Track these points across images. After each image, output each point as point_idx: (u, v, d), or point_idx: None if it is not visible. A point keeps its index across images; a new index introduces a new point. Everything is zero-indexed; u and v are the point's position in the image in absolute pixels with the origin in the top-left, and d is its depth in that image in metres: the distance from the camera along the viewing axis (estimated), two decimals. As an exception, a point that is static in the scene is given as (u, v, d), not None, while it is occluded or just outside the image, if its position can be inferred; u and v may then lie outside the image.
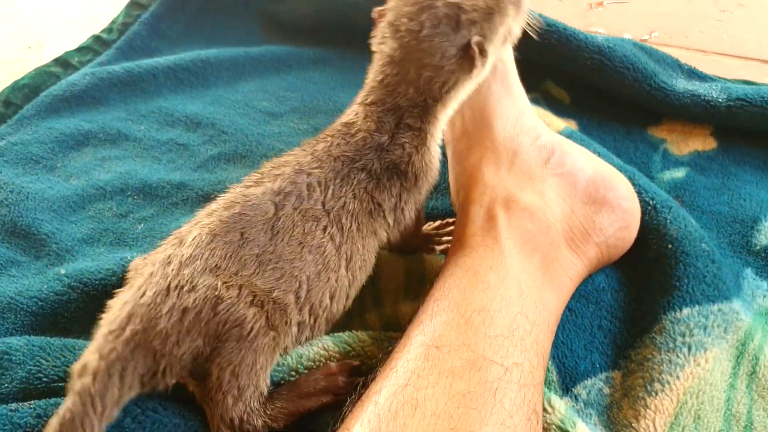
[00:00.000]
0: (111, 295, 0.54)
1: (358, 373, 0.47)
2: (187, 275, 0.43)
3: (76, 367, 0.42)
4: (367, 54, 0.54)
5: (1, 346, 0.50)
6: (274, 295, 0.44)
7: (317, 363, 0.47)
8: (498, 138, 0.55)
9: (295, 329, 0.46)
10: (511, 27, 0.51)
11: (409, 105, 0.50)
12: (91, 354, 0.42)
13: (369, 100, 0.51)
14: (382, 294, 0.55)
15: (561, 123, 0.68)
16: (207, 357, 0.43)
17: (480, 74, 0.51)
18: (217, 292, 0.42)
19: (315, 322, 0.47)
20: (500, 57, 0.55)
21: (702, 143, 0.70)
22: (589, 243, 0.55)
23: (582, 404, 0.49)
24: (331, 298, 0.47)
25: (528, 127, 0.57)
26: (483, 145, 0.55)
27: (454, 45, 0.48)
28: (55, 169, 0.71)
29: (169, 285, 0.43)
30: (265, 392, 0.44)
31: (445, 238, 0.58)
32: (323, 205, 0.47)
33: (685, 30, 0.93)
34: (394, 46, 0.49)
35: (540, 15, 0.74)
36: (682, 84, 0.72)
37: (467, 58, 0.48)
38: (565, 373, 0.50)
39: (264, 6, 0.92)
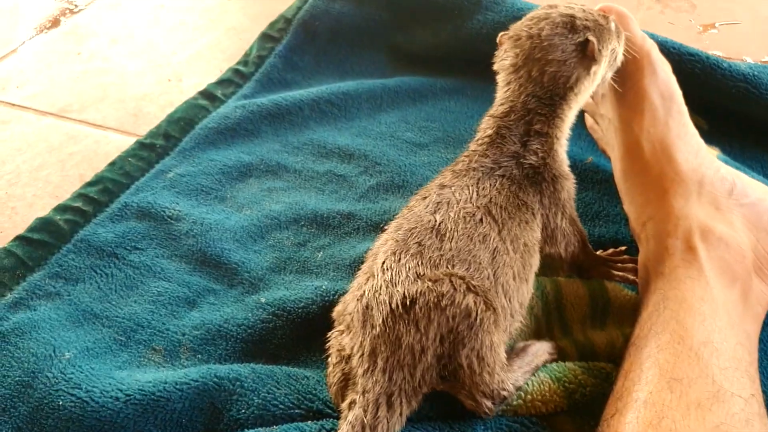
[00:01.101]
0: (313, 323, 0.59)
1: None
2: (400, 292, 0.47)
3: (344, 404, 0.46)
4: (496, 83, 0.58)
5: (231, 373, 0.54)
6: (474, 282, 0.48)
7: (536, 394, 0.50)
8: (683, 170, 0.58)
9: (500, 312, 0.49)
10: (616, 49, 0.57)
11: (536, 107, 0.55)
12: (356, 394, 0.46)
13: (499, 112, 0.56)
14: (569, 322, 0.58)
15: (712, 151, 0.70)
16: (449, 354, 0.46)
17: (598, 73, 0.56)
18: (434, 293, 0.46)
19: (510, 303, 0.50)
20: (670, 92, 0.59)
21: None
22: (775, 272, 0.57)
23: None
24: (513, 278, 0.51)
25: (708, 159, 0.59)
26: (668, 177, 0.58)
27: (573, 42, 0.54)
28: (226, 200, 0.75)
29: (390, 308, 0.46)
30: (506, 362, 0.49)
31: (620, 265, 0.61)
32: (473, 203, 0.52)
33: (804, 51, 0.94)
34: (516, 52, 0.55)
35: (680, 45, 0.77)
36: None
37: (586, 54, 0.54)
38: (767, 402, 0.52)
39: (390, 38, 0.96)
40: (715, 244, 0.54)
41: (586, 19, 0.55)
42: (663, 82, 0.60)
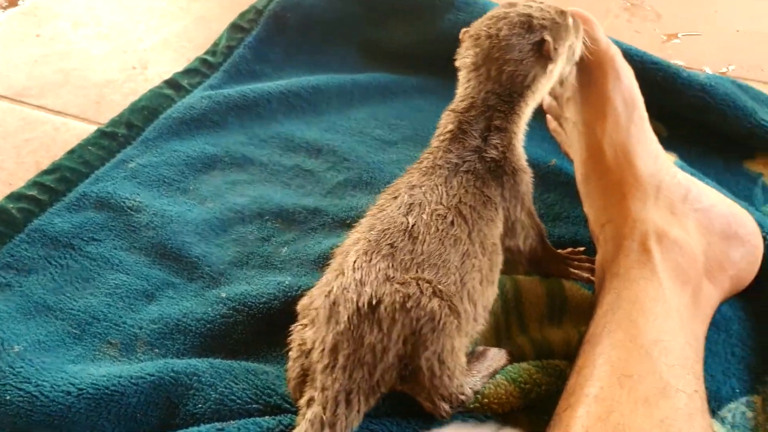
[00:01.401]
0: (275, 319, 0.58)
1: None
2: (368, 292, 0.47)
3: (302, 401, 0.46)
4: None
5: (188, 367, 0.53)
6: (441, 286, 0.48)
7: (492, 397, 0.50)
8: (641, 175, 0.59)
9: (464, 317, 0.50)
10: (574, 45, 0.59)
11: (496, 103, 0.56)
12: (315, 390, 0.45)
13: (460, 107, 0.58)
14: (527, 321, 0.59)
15: (670, 156, 0.72)
16: (410, 356, 0.46)
17: (554, 71, 0.57)
18: (401, 294, 0.47)
19: (475, 307, 0.51)
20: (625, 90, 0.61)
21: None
22: (724, 275, 0.59)
23: (729, 427, 0.53)
24: (480, 283, 0.51)
25: (666, 165, 0.61)
26: (627, 182, 0.59)
27: (530, 42, 0.55)
28: (189, 192, 0.74)
29: (357, 306, 0.46)
30: (466, 366, 0.50)
31: (578, 263, 0.63)
32: (444, 203, 0.52)
33: (762, 63, 0.98)
34: (476, 51, 0.57)
35: (644, 53, 0.79)
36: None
37: (542, 53, 0.55)
38: (710, 397, 0.53)
39: (362, 33, 0.96)
40: (670, 247, 0.56)
41: (543, 18, 0.56)
42: (626, 88, 0.62)
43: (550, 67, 0.56)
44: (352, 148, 0.79)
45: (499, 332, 0.58)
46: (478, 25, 0.58)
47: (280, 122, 0.83)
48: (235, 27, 0.97)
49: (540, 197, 0.70)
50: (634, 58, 0.76)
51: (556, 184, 0.71)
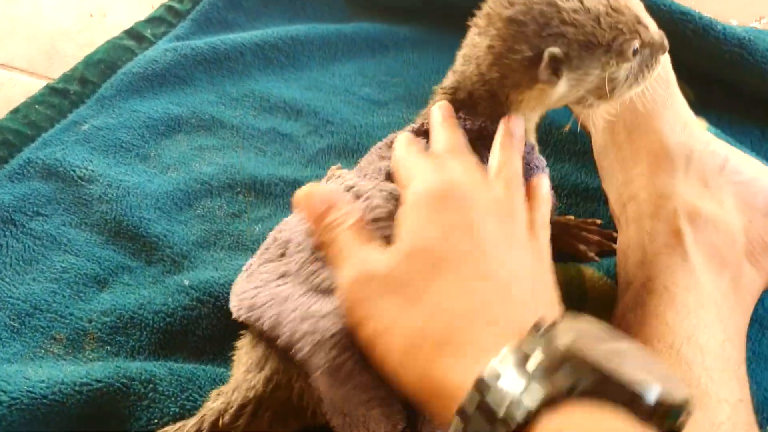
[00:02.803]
0: None
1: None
2: None
3: (213, 392, 0.41)
4: (464, 35, 0.47)
5: (143, 373, 0.45)
6: None
7: None
8: (669, 143, 0.51)
9: None
10: (617, 80, 0.43)
11: (482, 96, 0.45)
12: (230, 388, 0.40)
13: (446, 84, 0.47)
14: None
15: (701, 123, 0.64)
16: None
17: (551, 95, 0.43)
18: None
19: None
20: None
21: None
22: (768, 258, 0.51)
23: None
24: None
25: (697, 132, 0.53)
26: (652, 151, 0.51)
27: (529, 46, 0.41)
28: (149, 159, 0.65)
29: None
30: None
31: (585, 234, 0.55)
32: None
33: (794, 16, 0.88)
34: (482, 29, 0.44)
35: (671, 2, 0.70)
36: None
37: (533, 66, 0.41)
38: (755, 409, 0.46)
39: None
40: (703, 226, 0.48)
41: (573, 24, 0.40)
42: None
43: (541, 87, 0.42)
44: (337, 110, 0.70)
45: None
46: (497, 5, 0.43)
47: (254, 78, 0.74)
48: (205, -31, 0.85)
49: (552, 167, 0.62)
50: (661, 7, 0.67)
51: (571, 153, 0.63)
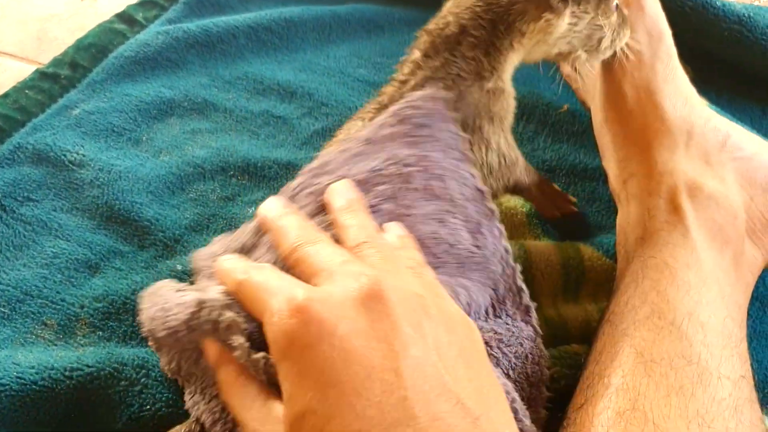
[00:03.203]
0: None
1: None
2: None
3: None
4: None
5: (136, 358, 0.45)
6: None
7: None
8: (669, 119, 0.50)
9: None
10: (605, 32, 0.48)
11: (473, 27, 0.46)
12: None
13: (433, 25, 0.48)
14: (538, 296, 0.50)
15: (702, 100, 0.63)
16: None
17: (553, 31, 0.46)
18: None
19: None
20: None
21: None
22: (768, 235, 0.50)
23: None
24: None
25: (698, 108, 0.52)
26: (652, 127, 0.50)
27: None
28: (141, 143, 0.64)
29: None
30: None
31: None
32: None
33: (796, -6, 0.86)
34: None
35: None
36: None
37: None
38: (756, 388, 0.46)
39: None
40: (704, 203, 0.47)
41: None
42: (651, 19, 0.52)
43: (548, 16, 0.45)
44: (332, 92, 0.69)
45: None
46: None
47: (248, 61, 0.72)
48: (196, -50, 0.84)
49: (550, 147, 0.61)
50: (660, -17, 0.66)
51: (569, 133, 0.62)
